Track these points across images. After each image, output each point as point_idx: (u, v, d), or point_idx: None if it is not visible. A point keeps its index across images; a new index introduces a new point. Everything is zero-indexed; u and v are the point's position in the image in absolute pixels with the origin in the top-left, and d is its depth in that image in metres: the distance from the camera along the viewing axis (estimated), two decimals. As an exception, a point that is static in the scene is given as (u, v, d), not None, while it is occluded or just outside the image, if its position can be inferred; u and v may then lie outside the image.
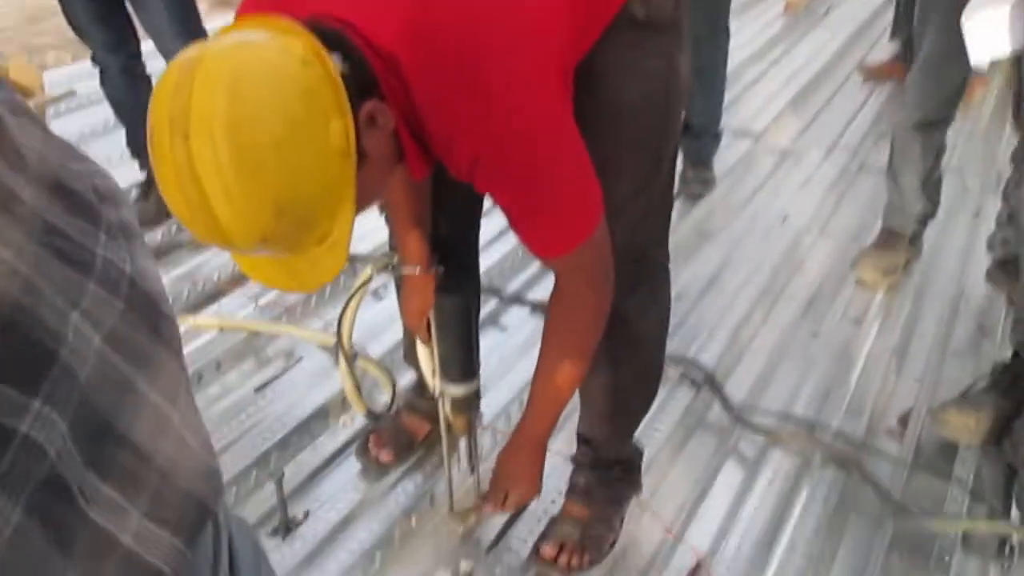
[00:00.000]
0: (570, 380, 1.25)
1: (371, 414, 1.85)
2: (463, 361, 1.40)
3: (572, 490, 1.62)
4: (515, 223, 1.10)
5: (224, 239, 0.88)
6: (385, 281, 2.31)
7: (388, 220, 1.53)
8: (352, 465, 1.83)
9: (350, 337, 1.74)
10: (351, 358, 1.76)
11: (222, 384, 2.08)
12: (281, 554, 1.64)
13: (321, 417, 1.96)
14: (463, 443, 1.49)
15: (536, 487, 1.42)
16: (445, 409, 1.47)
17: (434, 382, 1.44)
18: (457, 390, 1.42)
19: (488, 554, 1.63)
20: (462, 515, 1.59)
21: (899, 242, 2.43)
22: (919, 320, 2.30)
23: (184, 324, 2.22)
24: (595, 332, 1.20)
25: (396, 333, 1.98)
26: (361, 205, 0.98)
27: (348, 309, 1.68)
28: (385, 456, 1.79)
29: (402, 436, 1.81)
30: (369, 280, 1.62)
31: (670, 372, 2.07)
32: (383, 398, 1.98)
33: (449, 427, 1.55)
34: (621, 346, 1.33)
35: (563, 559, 1.55)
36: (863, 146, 3.18)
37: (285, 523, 1.69)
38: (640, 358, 1.46)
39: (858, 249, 2.52)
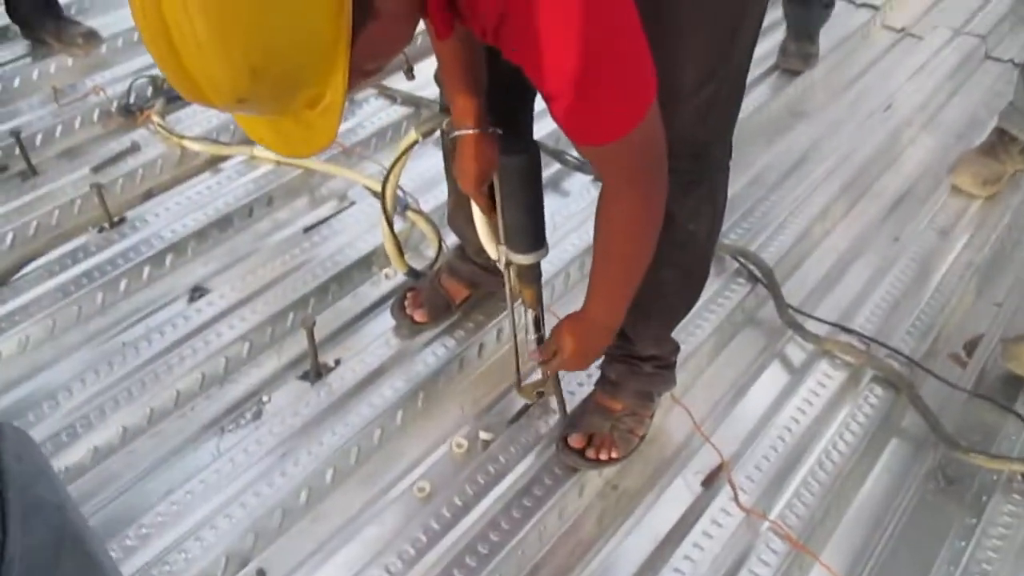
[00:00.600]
0: (623, 282, 1.20)
1: (412, 272, 1.83)
2: (532, 228, 1.33)
3: (603, 381, 1.60)
4: (547, 100, 0.97)
5: (200, 96, 0.80)
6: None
7: (439, 81, 1.43)
8: (388, 320, 1.81)
9: (394, 197, 1.69)
10: (391, 219, 1.71)
11: (272, 220, 2.07)
12: (307, 399, 1.68)
13: (364, 266, 1.94)
14: (530, 315, 1.42)
15: (585, 361, 1.37)
16: (511, 280, 1.41)
17: (498, 252, 1.38)
18: (525, 259, 1.35)
19: (509, 427, 1.64)
20: (529, 389, 1.55)
21: (1010, 149, 2.20)
22: (1012, 240, 2.12)
23: (241, 155, 2.20)
24: (643, 239, 1.13)
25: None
26: (371, 67, 0.89)
27: (391, 172, 1.61)
28: (420, 316, 1.78)
29: (439, 298, 1.79)
30: (414, 144, 1.55)
31: (727, 263, 1.98)
32: (428, 253, 1.96)
33: (516, 298, 1.49)
34: (666, 245, 1.23)
35: (591, 451, 1.55)
36: (996, 31, 2.84)
37: (316, 369, 1.72)
38: (686, 260, 1.39)
39: (962, 150, 2.30)
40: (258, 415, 1.66)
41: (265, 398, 1.69)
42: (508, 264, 1.38)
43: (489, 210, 1.36)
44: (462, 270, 1.78)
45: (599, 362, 1.62)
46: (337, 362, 1.74)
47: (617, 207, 1.11)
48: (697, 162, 1.22)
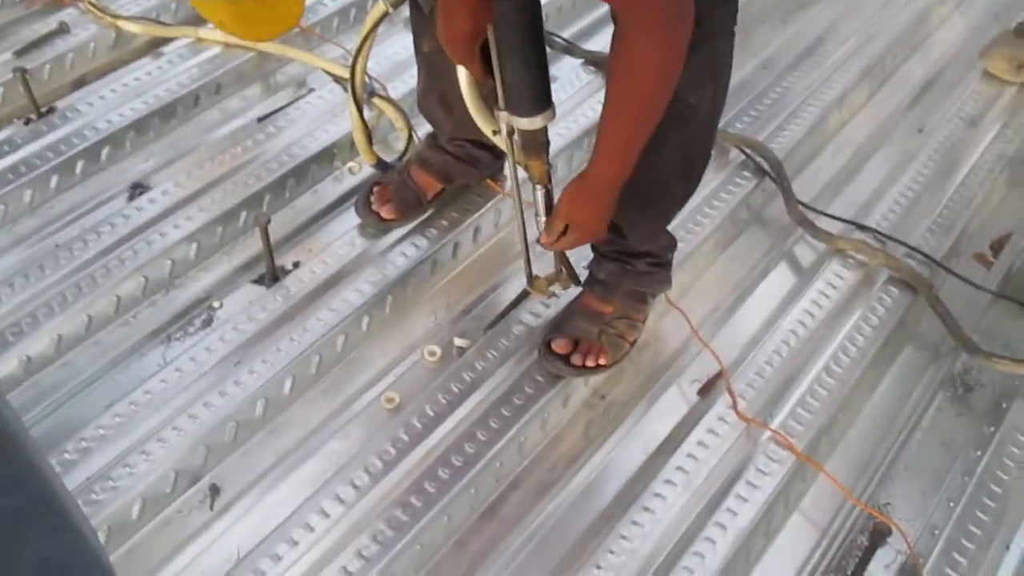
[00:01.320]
0: (635, 133, 1.21)
1: (380, 163, 1.82)
2: (538, 84, 1.28)
3: (592, 281, 1.60)
4: None
5: None
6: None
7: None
8: (352, 218, 1.81)
9: (363, 79, 1.66)
10: (361, 101, 1.69)
11: (221, 110, 2.04)
12: (263, 304, 1.67)
13: (325, 159, 1.92)
14: (540, 192, 1.38)
15: (598, 229, 1.37)
16: (516, 153, 1.37)
17: (498, 120, 1.34)
18: (533, 122, 1.30)
19: (486, 333, 1.64)
20: (543, 284, 1.51)
21: (1050, 29, 2.16)
22: (1048, 130, 2.11)
23: (185, 37, 2.16)
24: (663, 82, 1.14)
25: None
26: None
27: (361, 50, 1.58)
28: (387, 212, 1.78)
29: (409, 192, 1.78)
30: (384, 16, 1.51)
31: (731, 154, 1.96)
32: (397, 145, 1.94)
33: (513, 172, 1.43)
34: (666, 121, 1.22)
35: (576, 357, 1.55)
36: None
37: (271, 271, 1.72)
38: (685, 138, 1.37)
39: (997, 32, 2.27)
40: (208, 322, 1.66)
41: (216, 303, 1.69)
42: (511, 133, 1.34)
43: (484, 73, 1.31)
44: (434, 161, 1.77)
45: (585, 263, 1.63)
46: (295, 264, 1.74)
47: (637, 47, 1.10)
48: (697, 25, 1.19)
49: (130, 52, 2.14)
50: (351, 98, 1.68)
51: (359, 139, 1.75)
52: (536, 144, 1.35)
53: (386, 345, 1.64)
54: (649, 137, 1.23)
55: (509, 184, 1.46)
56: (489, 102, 1.37)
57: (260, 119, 2.01)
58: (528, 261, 1.49)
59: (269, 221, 1.66)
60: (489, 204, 1.83)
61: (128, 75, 2.08)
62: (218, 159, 1.91)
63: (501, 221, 1.82)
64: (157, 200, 1.83)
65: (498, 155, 1.75)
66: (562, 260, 1.49)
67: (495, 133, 1.39)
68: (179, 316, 1.67)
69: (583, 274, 1.62)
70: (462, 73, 1.37)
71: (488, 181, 1.85)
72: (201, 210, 1.80)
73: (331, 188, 1.88)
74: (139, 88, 2.04)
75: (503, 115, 1.32)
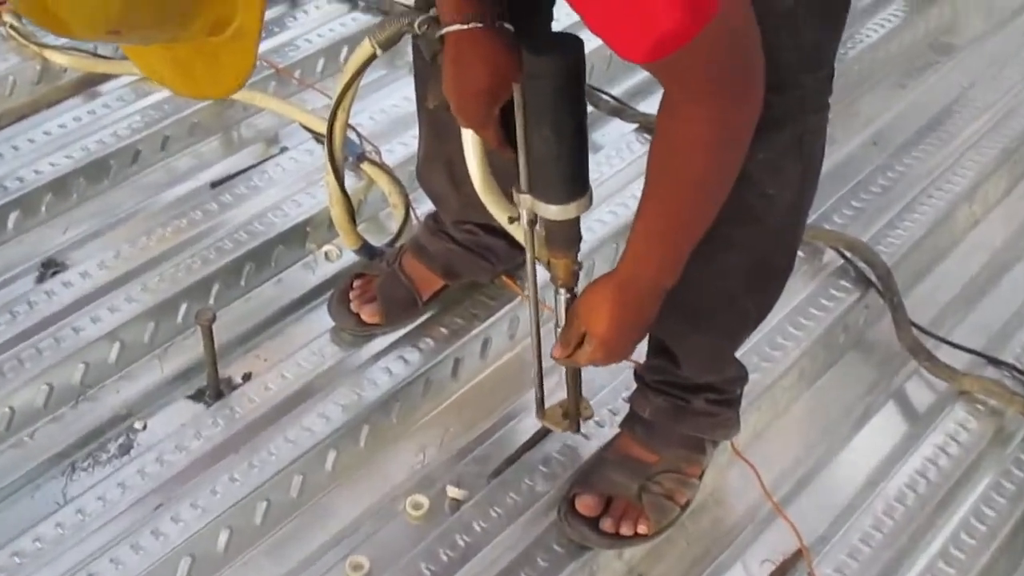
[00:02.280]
0: (680, 231, 1.23)
1: (365, 248, 1.82)
2: (573, 165, 1.30)
3: (632, 420, 1.59)
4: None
5: (57, 25, 0.81)
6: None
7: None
8: (323, 319, 1.82)
9: (343, 138, 1.67)
10: (341, 166, 1.70)
11: (167, 170, 2.07)
12: (199, 428, 1.67)
13: (295, 240, 1.94)
14: (562, 299, 1.39)
15: (625, 348, 1.37)
16: (537, 247, 1.39)
17: (518, 204, 1.35)
18: (563, 212, 1.32)
19: (490, 482, 1.63)
20: (556, 414, 1.53)
21: None
22: None
23: (128, 75, 2.19)
24: (721, 164, 1.17)
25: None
26: None
27: (340, 103, 1.59)
28: (370, 314, 1.78)
29: (400, 289, 1.79)
30: (371, 59, 1.52)
31: (826, 257, 1.95)
32: (389, 225, 1.95)
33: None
34: (732, 216, 1.24)
35: (608, 522, 1.54)
36: None
37: (214, 385, 1.72)
38: (759, 239, 1.38)
39: None
40: (126, 448, 1.65)
41: (138, 424, 1.68)
42: (532, 222, 1.36)
43: (501, 142, 1.33)
44: (435, 249, 1.78)
45: (626, 393, 1.62)
46: (246, 377, 1.75)
47: (682, 124, 1.12)
48: (781, 95, 1.21)
49: (57, 90, 2.19)
50: (328, 165, 1.69)
51: (338, 216, 1.76)
52: (565, 238, 1.35)
53: (357, 491, 1.62)
54: (707, 235, 1.23)
55: (528, 280, 1.46)
56: (505, 179, 1.38)
57: (215, 184, 2.03)
58: (540, 383, 1.50)
59: (214, 318, 1.65)
60: (504, 309, 1.83)
61: (52, 120, 2.12)
62: (156, 234, 1.93)
63: (519, 332, 1.82)
64: (74, 284, 1.84)
65: (518, 245, 1.75)
66: (571, 382, 1.49)
67: (511, 221, 1.41)
68: (89, 438, 1.66)
69: (621, 410, 1.61)
70: (469, 138, 1.38)
71: (504, 278, 1.85)
72: (129, 300, 1.81)
73: (300, 278, 1.90)
74: (64, 137, 2.08)
75: (524, 199, 1.33)
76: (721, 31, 0.99)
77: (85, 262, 1.88)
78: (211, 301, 1.84)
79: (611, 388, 1.70)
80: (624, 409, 1.61)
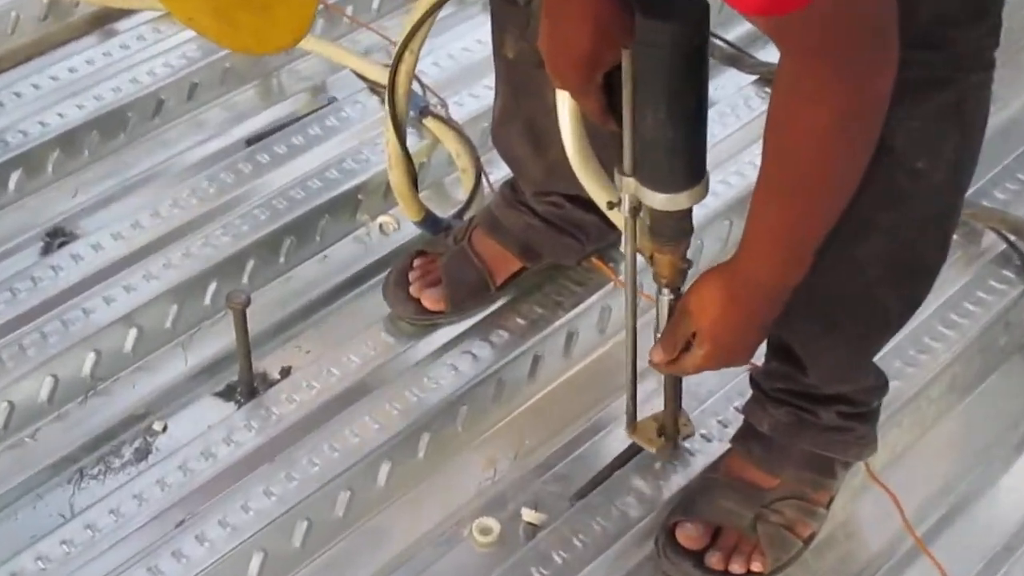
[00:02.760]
0: (803, 221, 1.25)
1: (429, 220, 1.81)
2: (690, 146, 1.31)
3: (747, 436, 1.58)
4: None
5: None
6: None
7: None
8: (377, 305, 1.81)
9: (408, 88, 1.67)
10: (404, 123, 1.70)
11: (194, 123, 2.08)
12: (229, 431, 1.67)
13: (345, 209, 1.94)
14: (665, 298, 1.42)
15: (743, 350, 1.39)
16: (634, 235, 1.40)
17: (620, 188, 1.36)
18: (671, 201, 1.33)
19: (574, 505, 1.62)
20: (648, 428, 1.55)
21: None
22: None
23: (152, 10, 2.19)
24: (846, 144, 1.17)
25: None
26: None
27: (406, 48, 1.60)
28: (433, 299, 1.78)
29: (469, 271, 1.79)
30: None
31: (986, 242, 1.92)
32: (457, 194, 1.95)
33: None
34: (872, 193, 1.25)
35: (715, 557, 1.53)
36: None
37: (247, 381, 1.72)
38: (905, 222, 1.36)
39: None
40: (143, 453, 1.66)
41: (158, 425, 1.69)
42: (636, 210, 1.36)
43: (604, 114, 1.34)
44: (512, 224, 1.78)
45: (739, 402, 1.63)
46: (285, 372, 1.75)
47: (806, 99, 1.11)
48: (934, 51, 1.21)
49: (67, 28, 2.19)
50: (389, 118, 1.68)
51: (397, 180, 1.75)
52: (673, 231, 1.37)
53: (414, 512, 1.62)
54: (842, 219, 1.24)
55: (625, 273, 1.46)
56: (607, 155, 1.38)
57: (250, 141, 2.03)
58: (633, 390, 1.52)
59: (248, 302, 1.64)
60: (592, 298, 1.82)
61: (61, 63, 2.12)
62: (181, 200, 1.93)
63: (610, 326, 1.81)
64: (84, 257, 1.85)
65: (613, 224, 1.73)
66: (671, 392, 1.51)
67: (611, 206, 1.41)
68: (100, 441, 1.67)
69: (733, 421, 1.62)
70: (565, 103, 1.38)
71: (594, 261, 1.84)
72: (148, 277, 1.81)
73: (349, 255, 1.91)
74: (75, 84, 2.08)
75: (628, 182, 1.33)
76: None
77: (97, 232, 1.89)
78: (244, 281, 1.85)
79: (722, 394, 1.69)
80: (737, 421, 1.61)
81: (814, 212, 1.22)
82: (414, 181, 1.76)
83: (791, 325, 1.45)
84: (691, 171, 1.31)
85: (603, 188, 1.42)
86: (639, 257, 1.42)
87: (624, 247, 1.44)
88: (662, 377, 1.52)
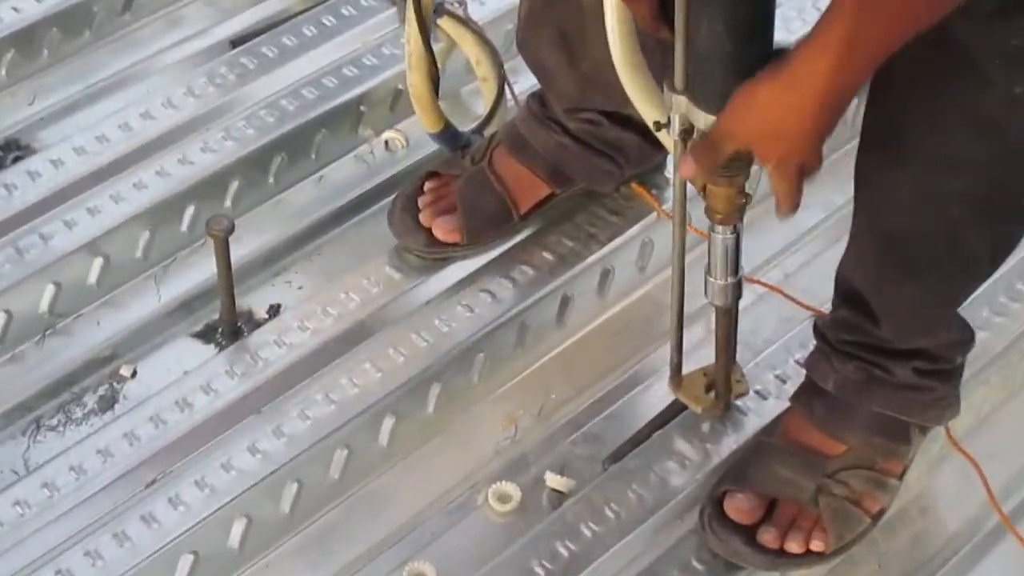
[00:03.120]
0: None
1: (449, 134, 1.81)
2: (751, 58, 1.27)
3: (809, 394, 1.58)
4: None
5: None
6: None
7: None
8: (382, 233, 1.82)
9: None
10: (427, 27, 1.70)
11: (170, 20, 2.09)
12: (208, 377, 1.67)
13: (344, 121, 1.94)
14: (720, 237, 1.42)
15: (810, 138, 1.30)
16: (678, 159, 1.39)
17: (667, 107, 1.36)
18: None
19: (607, 469, 1.62)
20: (695, 383, 1.55)
21: None
22: None
23: None
24: None
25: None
26: None
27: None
28: (446, 229, 1.78)
29: (488, 196, 1.79)
30: None
31: None
32: (476, 107, 1.94)
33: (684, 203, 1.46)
34: (965, 125, 1.27)
35: (769, 533, 1.53)
36: None
37: (230, 320, 1.72)
38: (1002, 156, 1.34)
39: None
40: (109, 402, 1.66)
41: (126, 370, 1.69)
42: (687, 132, 1.35)
43: (656, 20, 1.33)
44: (540, 144, 1.77)
45: (800, 354, 1.63)
46: (273, 310, 1.76)
47: None
48: None
49: None
50: (412, 9, 1.67)
51: (417, 83, 1.74)
52: (728, 159, 1.35)
53: (421, 474, 1.62)
54: (924, 150, 1.27)
55: (671, 203, 1.47)
56: (657, 68, 1.38)
57: (235, 43, 2.03)
58: (679, 339, 1.53)
59: (232, 228, 1.63)
60: (631, 230, 1.81)
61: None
62: (155, 109, 1.93)
63: (652, 262, 1.80)
64: (42, 174, 1.85)
65: (657, 142, 1.72)
66: (723, 341, 1.51)
67: (659, 127, 1.39)
68: (59, 387, 1.67)
69: (794, 377, 1.60)
70: (611, 4, 1.37)
71: (634, 187, 1.83)
72: (116, 198, 1.81)
73: (350, 175, 1.91)
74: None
75: (679, 101, 1.32)
76: None
77: (58, 145, 1.89)
78: (227, 204, 1.85)
79: (781, 344, 1.69)
80: (798, 376, 1.61)
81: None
82: (436, 85, 1.75)
83: (863, 268, 1.47)
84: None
85: (653, 104, 1.41)
86: (689, 187, 1.42)
87: (672, 174, 1.44)
88: (712, 324, 1.51)
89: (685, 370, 1.56)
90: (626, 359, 1.72)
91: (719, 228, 1.41)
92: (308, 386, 1.66)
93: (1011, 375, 1.73)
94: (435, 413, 1.66)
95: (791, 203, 1.36)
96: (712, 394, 1.56)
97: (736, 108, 1.30)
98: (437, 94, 1.76)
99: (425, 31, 1.70)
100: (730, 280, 1.45)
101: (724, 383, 1.55)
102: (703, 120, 1.33)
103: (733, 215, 1.40)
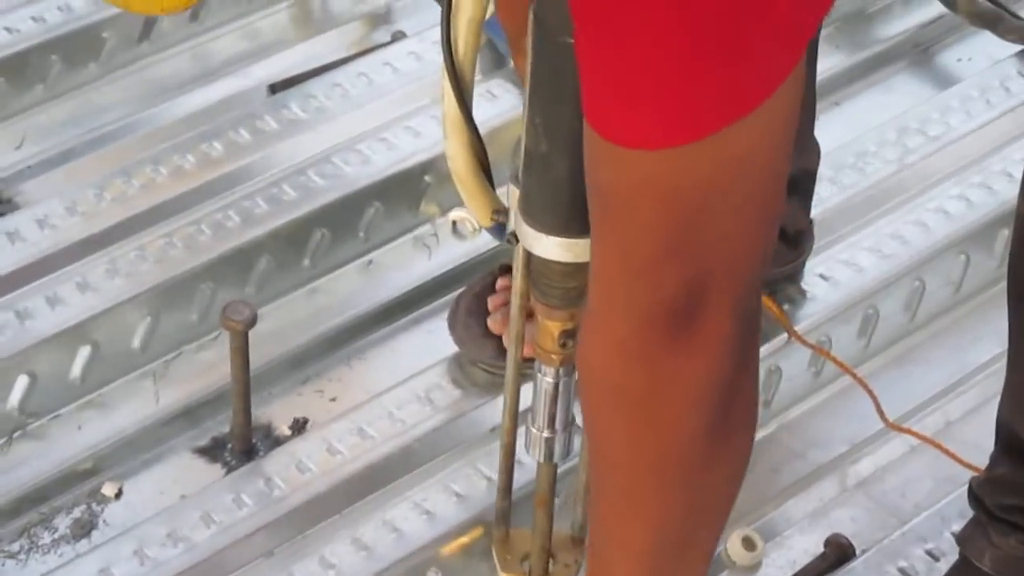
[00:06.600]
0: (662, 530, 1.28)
1: (503, 228, 1.80)
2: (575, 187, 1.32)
3: (965, 574, 1.60)
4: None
5: None
6: None
7: None
8: (442, 339, 1.82)
9: (475, 46, 1.63)
10: (471, 87, 1.66)
11: (195, 55, 2.10)
12: (211, 504, 1.68)
13: (403, 196, 1.95)
14: (545, 381, 1.48)
15: None
16: (521, 284, 1.47)
17: (510, 197, 1.45)
18: (544, 247, 1.41)
19: None
20: (515, 548, 1.57)
21: None
22: None
23: None
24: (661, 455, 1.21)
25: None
26: None
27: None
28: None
29: None
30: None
31: None
32: None
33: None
34: None
35: None
36: None
37: (243, 435, 1.75)
38: None
39: None
40: (86, 527, 1.67)
41: (109, 489, 1.69)
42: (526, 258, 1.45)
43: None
44: None
45: (957, 525, 1.64)
46: (298, 426, 1.78)
47: (599, 352, 1.19)
48: None
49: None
50: (447, 78, 1.63)
51: (461, 165, 1.71)
52: (555, 289, 1.43)
53: None
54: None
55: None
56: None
57: (275, 87, 2.06)
58: (508, 484, 1.56)
59: (254, 320, 1.66)
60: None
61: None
62: (170, 163, 1.95)
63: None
64: (25, 237, 1.86)
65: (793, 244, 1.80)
66: (546, 479, 1.55)
67: (495, 216, 1.49)
68: (26, 504, 1.70)
69: (945, 550, 1.64)
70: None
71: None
72: (113, 272, 1.82)
73: (406, 261, 1.94)
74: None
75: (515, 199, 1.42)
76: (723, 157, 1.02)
77: (46, 200, 1.91)
78: (250, 289, 1.85)
79: (935, 511, 1.70)
80: (953, 553, 1.63)
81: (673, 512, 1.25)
82: (484, 164, 1.68)
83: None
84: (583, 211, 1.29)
85: (483, 198, 1.50)
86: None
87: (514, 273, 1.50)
88: None
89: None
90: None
91: (547, 371, 1.45)
92: (334, 526, 1.66)
93: None
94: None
95: None
96: (525, 566, 1.57)
97: None
98: (488, 173, 1.68)
99: (465, 96, 1.63)
100: (546, 433, 1.49)
101: (539, 557, 1.55)
102: (531, 239, 1.40)
103: (556, 358, 1.45)
